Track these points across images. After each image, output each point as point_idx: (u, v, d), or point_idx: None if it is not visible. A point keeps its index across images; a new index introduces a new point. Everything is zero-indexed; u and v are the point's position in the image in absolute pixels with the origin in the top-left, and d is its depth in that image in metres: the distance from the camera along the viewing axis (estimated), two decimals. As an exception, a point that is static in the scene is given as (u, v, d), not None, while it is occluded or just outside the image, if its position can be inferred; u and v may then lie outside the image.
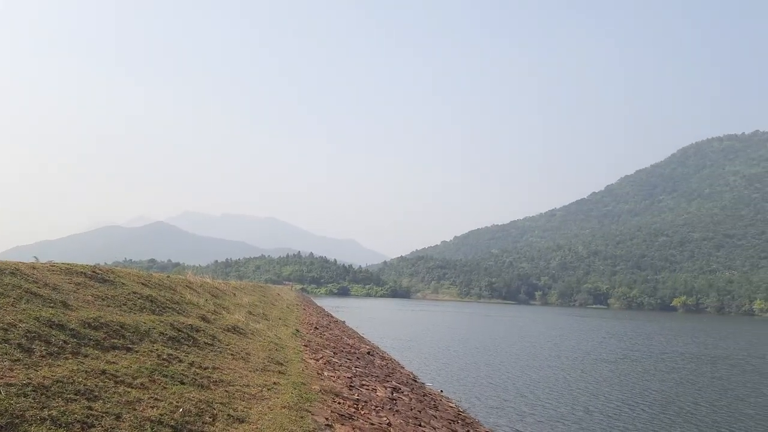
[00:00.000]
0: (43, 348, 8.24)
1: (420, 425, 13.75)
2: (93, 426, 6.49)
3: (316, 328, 32.19)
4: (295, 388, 11.54)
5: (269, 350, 15.61)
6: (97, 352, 9.18)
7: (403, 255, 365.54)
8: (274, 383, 11.59)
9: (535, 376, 34.32)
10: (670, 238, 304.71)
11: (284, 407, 9.82)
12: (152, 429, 6.92)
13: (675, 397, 29.36)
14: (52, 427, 6.10)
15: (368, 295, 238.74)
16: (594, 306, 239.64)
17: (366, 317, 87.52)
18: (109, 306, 12.63)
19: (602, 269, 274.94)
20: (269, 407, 9.63)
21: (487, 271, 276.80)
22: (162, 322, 12.65)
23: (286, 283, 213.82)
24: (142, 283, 17.01)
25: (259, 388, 10.78)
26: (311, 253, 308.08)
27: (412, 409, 15.68)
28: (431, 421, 15.19)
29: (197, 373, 10.16)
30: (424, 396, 19.90)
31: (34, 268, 12.90)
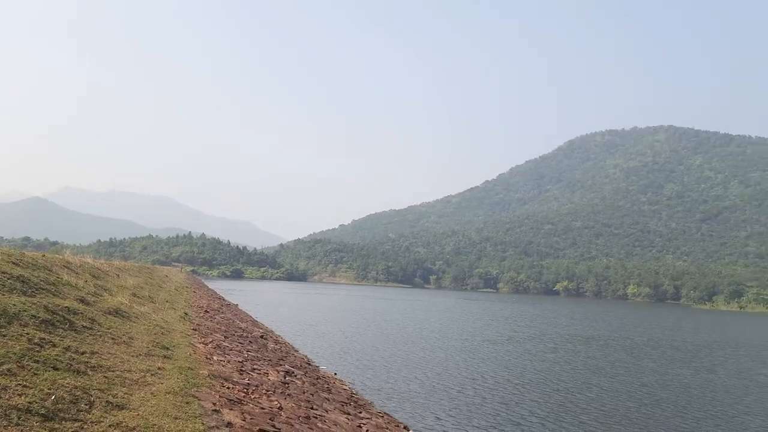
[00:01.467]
0: None
1: (312, 408, 13.70)
2: (-53, 418, 5.88)
3: (206, 311, 31.25)
4: (182, 373, 11.10)
5: (154, 334, 14.92)
6: (-45, 337, 8.34)
7: (300, 238, 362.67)
8: (159, 368, 11.09)
9: (425, 357, 35.24)
10: (555, 226, 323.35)
11: (169, 393, 9.41)
12: (19, 418, 6.38)
13: (552, 376, 31.13)
14: None
15: (263, 278, 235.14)
16: (485, 289, 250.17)
17: (260, 300, 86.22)
18: (-29, 287, 11.52)
19: (493, 255, 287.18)
20: (152, 393, 9.19)
21: (384, 255, 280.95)
22: (35, 304, 11.70)
23: (176, 264, 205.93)
24: (13, 263, 15.66)
25: (142, 374, 10.27)
26: (203, 234, 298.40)
27: (304, 393, 15.60)
28: (324, 403, 15.19)
29: (73, 359, 9.49)
30: (317, 379, 19.87)
31: None
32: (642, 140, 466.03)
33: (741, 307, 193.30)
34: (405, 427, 16.67)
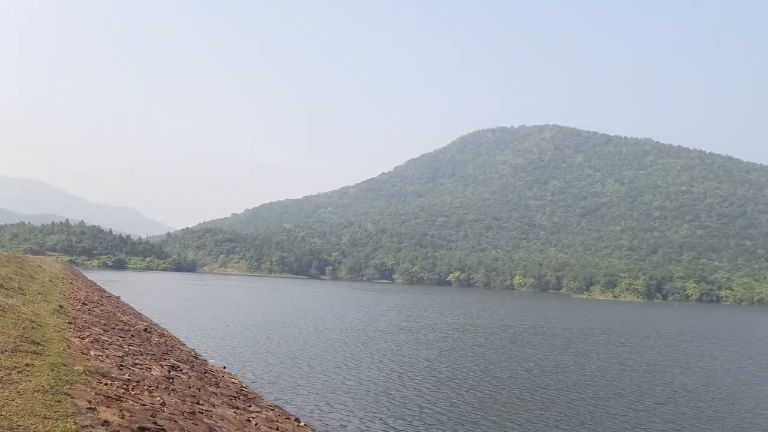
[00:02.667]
0: None
1: (198, 403, 13.24)
2: None
3: (84, 303, 29.37)
4: (53, 370, 10.33)
5: (23, 329, 13.80)
6: None
7: (190, 227, 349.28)
8: (27, 365, 10.26)
9: (318, 348, 35.13)
10: (448, 218, 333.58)
11: (37, 391, 8.72)
12: None
13: (440, 364, 32.05)
14: None
15: (148, 269, 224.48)
16: (380, 281, 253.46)
17: (145, 292, 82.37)
18: None
19: (389, 246, 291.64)
20: (18, 392, 8.48)
21: (278, 245, 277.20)
22: None
23: (51, 254, 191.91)
24: None
25: (7, 371, 9.45)
26: (82, 222, 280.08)
27: (190, 387, 15.05)
28: (211, 398, 14.74)
29: None
30: (205, 373, 19.26)
31: None
32: (529, 138, 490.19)
33: (615, 297, 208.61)
34: (296, 419, 16.48)
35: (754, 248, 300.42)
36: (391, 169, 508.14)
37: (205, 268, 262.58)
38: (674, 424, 21.22)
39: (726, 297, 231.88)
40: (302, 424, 16.02)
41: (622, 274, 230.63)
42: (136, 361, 15.70)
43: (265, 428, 13.47)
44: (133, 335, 22.52)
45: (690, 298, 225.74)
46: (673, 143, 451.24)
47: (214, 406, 13.79)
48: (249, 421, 13.67)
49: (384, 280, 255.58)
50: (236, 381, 21.15)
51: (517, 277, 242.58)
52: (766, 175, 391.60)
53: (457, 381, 27.15)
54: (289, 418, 16.28)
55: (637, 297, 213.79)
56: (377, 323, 53.94)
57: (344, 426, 17.98)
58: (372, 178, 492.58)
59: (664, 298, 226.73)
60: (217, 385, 17.60)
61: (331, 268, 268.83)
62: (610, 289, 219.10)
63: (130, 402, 10.41)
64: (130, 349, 17.68)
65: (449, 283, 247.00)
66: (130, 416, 9.30)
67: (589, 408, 22.96)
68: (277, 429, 13.91)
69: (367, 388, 24.10)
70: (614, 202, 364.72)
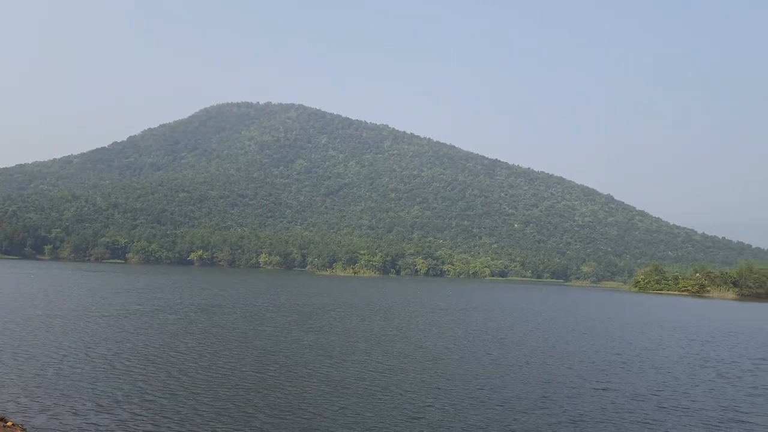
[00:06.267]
0: None
1: None
2: None
3: None
4: None
5: None
6: None
7: None
8: None
9: (25, 340, 29.29)
10: (190, 194, 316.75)
11: None
12: None
13: (168, 348, 29.47)
14: None
15: None
16: (112, 260, 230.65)
17: None
18: None
19: (122, 223, 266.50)
20: None
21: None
22: None
23: None
24: None
25: None
26: None
27: None
28: None
29: None
30: None
31: None
32: (275, 116, 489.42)
33: (355, 273, 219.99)
34: (2, 419, 14.93)
35: (471, 228, 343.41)
36: (125, 139, 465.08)
37: None
38: (397, 387, 21.81)
39: (448, 271, 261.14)
40: (9, 423, 14.82)
41: (362, 252, 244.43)
42: None
43: None
44: None
45: (419, 273, 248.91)
46: (407, 131, 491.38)
47: None
48: None
49: (116, 260, 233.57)
50: None
51: (263, 255, 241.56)
52: (482, 164, 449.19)
53: (182, 364, 25.30)
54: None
55: (375, 272, 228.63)
56: (101, 308, 47.01)
57: (56, 418, 16.40)
58: (102, 147, 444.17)
59: (398, 273, 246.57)
60: None
61: (50, 246, 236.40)
62: (351, 266, 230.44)
63: None
64: None
65: (191, 263, 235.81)
66: None
67: (322, 383, 22.64)
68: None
69: (81, 378, 21.28)
70: (355, 183, 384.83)
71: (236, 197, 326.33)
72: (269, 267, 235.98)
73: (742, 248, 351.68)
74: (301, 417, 18.10)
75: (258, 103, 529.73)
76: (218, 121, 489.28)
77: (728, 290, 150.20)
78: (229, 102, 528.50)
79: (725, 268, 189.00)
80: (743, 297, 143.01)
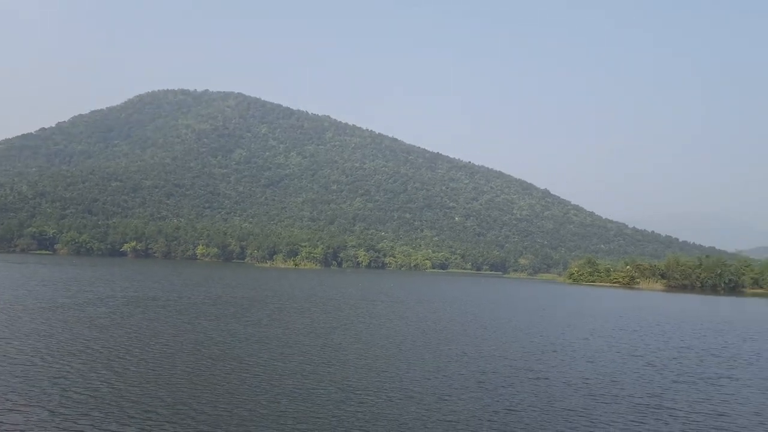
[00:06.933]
0: None
1: None
2: None
3: None
4: None
5: None
6: None
7: None
8: None
9: None
10: (123, 183, 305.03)
11: None
12: None
13: (94, 342, 28.11)
14: None
15: None
16: (39, 251, 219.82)
17: None
18: None
19: (50, 212, 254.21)
20: None
21: None
22: None
23: None
24: None
25: None
26: None
27: None
28: None
29: None
30: None
31: None
32: (213, 104, 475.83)
33: (296, 265, 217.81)
34: None
35: (412, 220, 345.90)
36: (54, 125, 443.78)
37: None
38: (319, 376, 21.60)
39: (389, 263, 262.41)
40: None
41: (303, 244, 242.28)
42: None
43: None
44: None
45: (361, 265, 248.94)
46: (348, 122, 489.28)
47: None
48: None
49: (44, 251, 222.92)
50: None
51: (200, 246, 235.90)
52: (423, 157, 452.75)
53: (109, 360, 24.06)
54: None
55: (316, 265, 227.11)
56: (25, 300, 44.66)
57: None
58: (28, 134, 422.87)
59: (339, 265, 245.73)
60: None
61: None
62: (292, 258, 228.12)
63: None
64: None
65: (124, 254, 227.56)
66: None
67: (253, 378, 22.27)
68: None
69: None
70: (296, 174, 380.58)
71: (172, 187, 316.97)
72: (207, 259, 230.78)
73: (670, 242, 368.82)
74: (232, 412, 17.62)
75: (195, 90, 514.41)
76: (154, 108, 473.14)
77: (656, 282, 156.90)
78: (165, 89, 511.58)
79: (654, 261, 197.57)
80: (670, 288, 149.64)
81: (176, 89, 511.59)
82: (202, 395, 19.33)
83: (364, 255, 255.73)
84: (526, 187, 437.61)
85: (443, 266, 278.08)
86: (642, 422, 19.06)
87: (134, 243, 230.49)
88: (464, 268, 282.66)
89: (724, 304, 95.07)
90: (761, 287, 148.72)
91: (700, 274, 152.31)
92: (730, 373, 28.89)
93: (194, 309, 45.55)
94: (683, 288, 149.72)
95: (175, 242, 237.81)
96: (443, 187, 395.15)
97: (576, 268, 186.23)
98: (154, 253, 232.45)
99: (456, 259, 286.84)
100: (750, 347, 39.11)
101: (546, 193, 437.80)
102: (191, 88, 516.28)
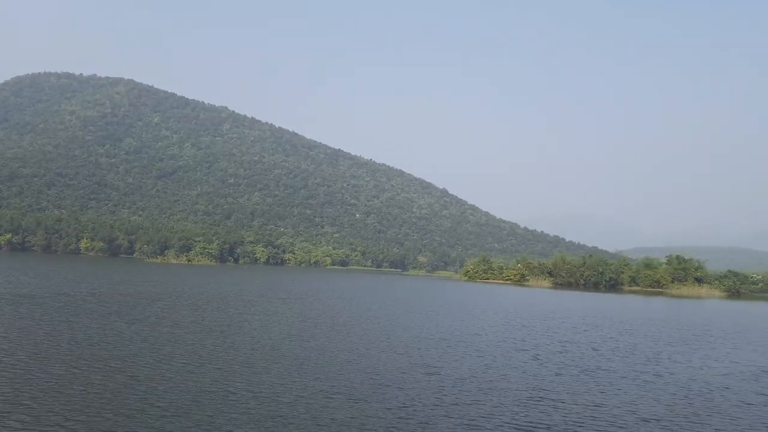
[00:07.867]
0: None
1: None
2: None
3: None
4: None
5: None
6: None
7: None
8: None
9: None
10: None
11: None
12: None
13: None
14: None
15: None
16: None
17: None
18: None
19: None
20: None
21: None
22: None
23: None
24: None
25: None
26: None
27: None
28: None
29: None
30: None
31: None
32: (101, 90, 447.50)
33: (189, 260, 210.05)
34: None
35: (313, 216, 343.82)
36: None
37: None
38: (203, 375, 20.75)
39: (289, 260, 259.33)
40: None
41: (197, 239, 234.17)
42: None
43: None
44: None
45: (259, 261, 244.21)
46: (248, 114, 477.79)
47: None
48: None
49: None
50: None
51: (85, 240, 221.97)
52: (324, 153, 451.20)
53: None
54: None
55: (211, 260, 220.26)
56: None
57: None
58: None
59: (236, 261, 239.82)
60: None
61: None
62: (185, 253, 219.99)
63: None
64: None
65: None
66: None
67: (130, 380, 21.03)
68: None
69: None
70: (191, 166, 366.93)
71: (54, 176, 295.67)
72: (91, 253, 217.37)
73: (557, 241, 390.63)
74: (107, 417, 16.43)
75: (81, 74, 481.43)
76: (34, 91, 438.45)
77: (544, 279, 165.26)
78: (47, 71, 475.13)
79: (542, 259, 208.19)
80: (557, 285, 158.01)
81: (60, 72, 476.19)
82: (75, 398, 17.88)
83: (263, 251, 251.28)
84: (426, 186, 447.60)
85: (344, 263, 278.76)
86: (527, 414, 19.77)
87: (9, 235, 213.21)
88: (364, 266, 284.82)
89: (605, 300, 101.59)
90: (638, 285, 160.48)
91: (584, 272, 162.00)
92: (609, 365, 30.73)
93: (75, 306, 42.57)
94: (569, 285, 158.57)
95: (56, 235, 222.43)
96: (344, 184, 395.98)
97: (471, 266, 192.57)
98: (33, 246, 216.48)
99: (356, 256, 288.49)
100: (626, 340, 41.87)
101: (444, 193, 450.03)
102: (77, 72, 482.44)
